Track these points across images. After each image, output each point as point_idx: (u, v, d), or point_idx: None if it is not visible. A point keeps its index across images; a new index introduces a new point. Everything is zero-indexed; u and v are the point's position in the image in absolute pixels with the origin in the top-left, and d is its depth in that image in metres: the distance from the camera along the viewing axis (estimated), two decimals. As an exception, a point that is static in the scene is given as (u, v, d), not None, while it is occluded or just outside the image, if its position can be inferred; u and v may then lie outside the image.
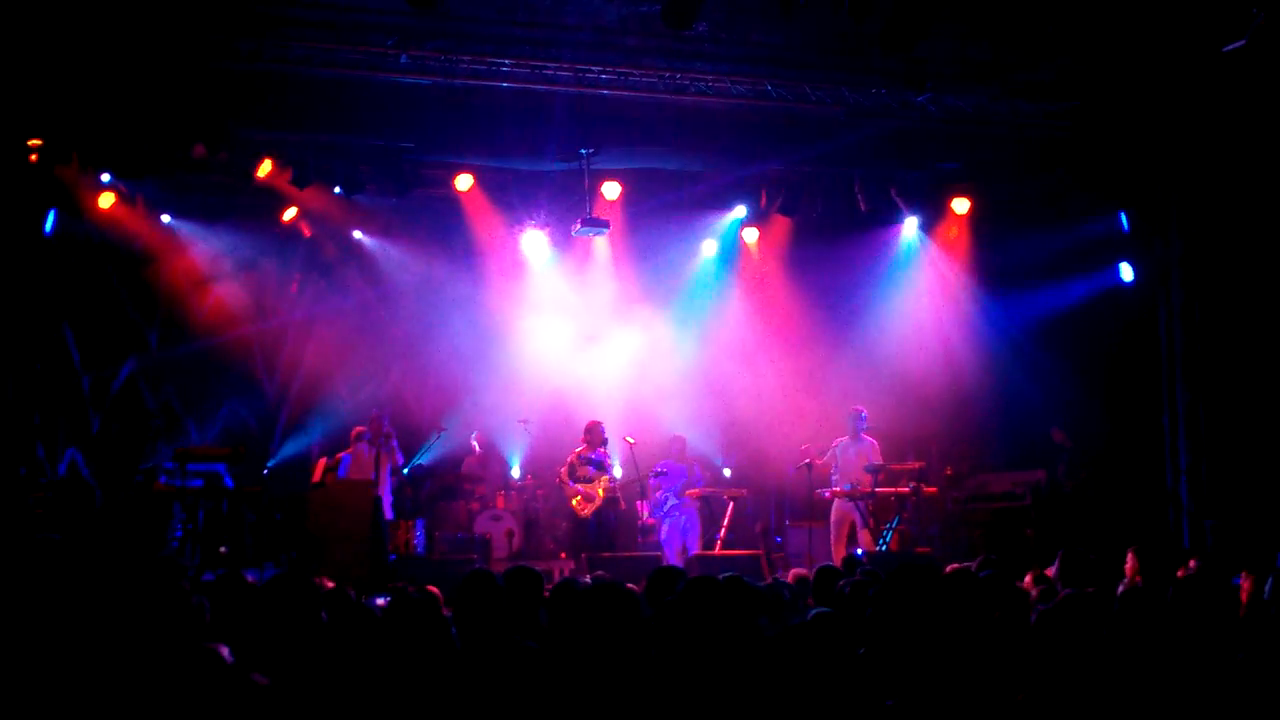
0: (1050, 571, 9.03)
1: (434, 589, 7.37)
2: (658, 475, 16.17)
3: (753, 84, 14.20)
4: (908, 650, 5.16)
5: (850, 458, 15.71)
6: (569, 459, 15.83)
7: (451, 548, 16.01)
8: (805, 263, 18.62)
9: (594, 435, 15.91)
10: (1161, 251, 16.02)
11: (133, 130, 14.20)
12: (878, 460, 15.62)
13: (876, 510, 15.50)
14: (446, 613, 6.41)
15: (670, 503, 16.12)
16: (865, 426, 15.86)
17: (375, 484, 14.93)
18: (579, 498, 15.60)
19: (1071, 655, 5.32)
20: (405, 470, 17.00)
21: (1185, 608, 6.62)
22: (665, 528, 16.17)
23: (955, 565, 9.75)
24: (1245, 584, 8.61)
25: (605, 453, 15.96)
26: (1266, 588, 8.29)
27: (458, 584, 6.04)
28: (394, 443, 16.00)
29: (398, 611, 5.22)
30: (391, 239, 18.09)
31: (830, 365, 18.16)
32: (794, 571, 9.94)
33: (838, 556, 14.43)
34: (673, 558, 15.66)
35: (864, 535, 15.24)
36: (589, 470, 15.70)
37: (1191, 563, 11.12)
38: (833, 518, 15.59)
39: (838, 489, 15.46)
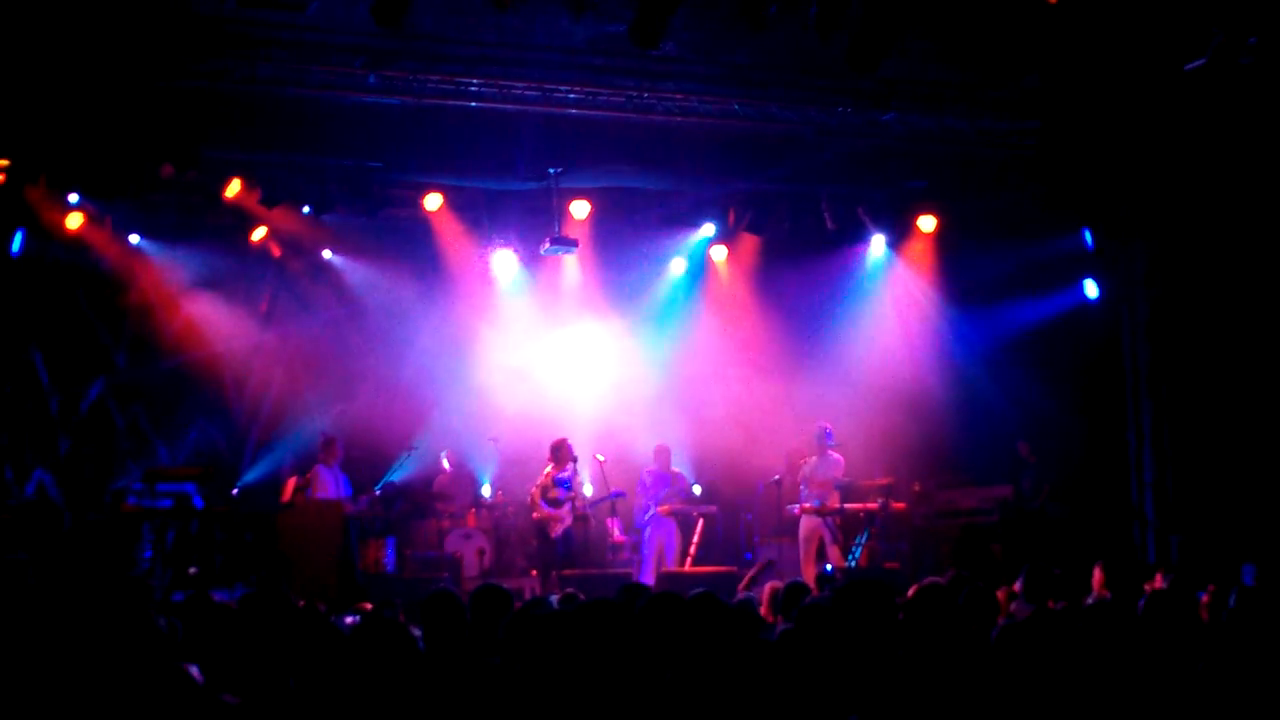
0: (1018, 587, 9.10)
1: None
2: (642, 483, 16.20)
3: (720, 103, 14.27)
4: (869, 667, 5.21)
5: (817, 474, 15.77)
6: (541, 480, 15.78)
7: (422, 566, 15.99)
8: (774, 281, 18.70)
9: (561, 453, 15.85)
10: (1125, 268, 16.20)
11: (101, 151, 14.13)
12: (842, 476, 15.70)
13: (845, 526, 15.57)
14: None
15: (651, 511, 16.16)
16: (831, 443, 15.92)
17: (344, 504, 14.95)
18: (547, 517, 15.57)
19: (1035, 670, 5.37)
20: (377, 489, 16.97)
21: (1152, 622, 6.69)
22: (647, 536, 16.18)
23: (930, 580, 9.83)
24: (1206, 598, 8.69)
25: (575, 470, 15.93)
26: (1231, 599, 8.39)
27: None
28: (343, 474, 15.96)
29: (367, 631, 5.24)
30: (361, 259, 18.08)
31: (799, 382, 18.21)
32: (770, 585, 9.97)
33: (807, 573, 14.49)
34: (649, 571, 15.68)
35: (833, 551, 15.29)
36: (559, 491, 15.67)
37: (1158, 577, 11.22)
38: (801, 534, 15.64)
39: (806, 504, 15.51)
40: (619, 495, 16.13)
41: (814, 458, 15.92)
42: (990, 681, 5.27)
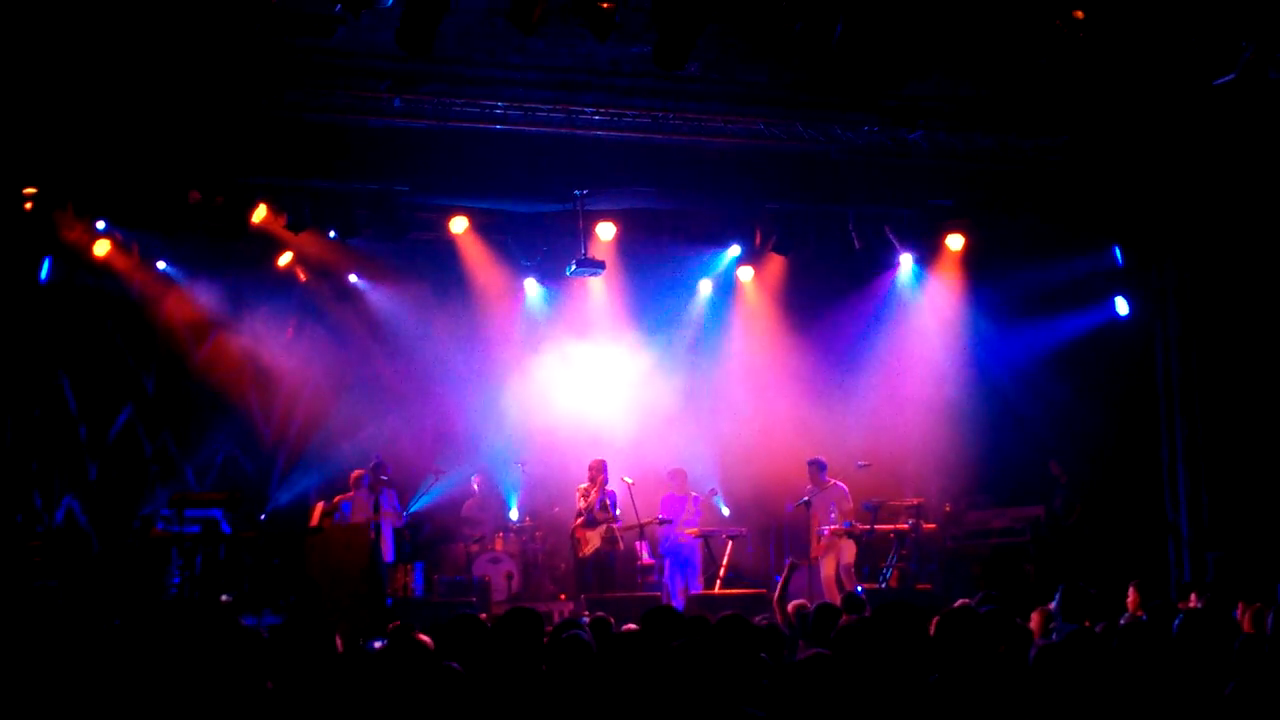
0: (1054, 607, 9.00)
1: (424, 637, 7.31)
2: (664, 518, 16.17)
3: (745, 123, 14.27)
4: (901, 689, 5.14)
5: (820, 507, 15.71)
6: (586, 503, 15.78)
7: (450, 590, 15.94)
8: (801, 301, 18.65)
9: (598, 474, 15.89)
10: (1156, 284, 16.09)
11: (128, 178, 14.21)
12: (848, 505, 15.64)
13: (874, 547, 15.52)
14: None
15: (670, 539, 16.11)
16: (825, 475, 15.89)
17: (373, 528, 14.92)
18: (578, 538, 15.56)
19: (1073, 691, 5.29)
20: (405, 515, 16.96)
21: (1188, 641, 6.60)
22: (668, 564, 16.14)
23: (962, 601, 9.75)
24: (1244, 617, 8.59)
25: (611, 491, 15.93)
26: (1269, 621, 8.27)
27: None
28: (392, 490, 16.05)
29: (393, 654, 5.20)
30: (387, 282, 18.09)
31: (827, 402, 18.14)
32: (794, 604, 9.90)
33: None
34: (675, 596, 15.62)
35: (847, 580, 15.20)
36: (601, 514, 15.70)
37: (1193, 596, 11.10)
38: (821, 574, 15.58)
39: (835, 527, 15.42)
40: (664, 521, 16.08)
41: (811, 487, 15.85)
42: (1029, 703, 5.19)
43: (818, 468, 15.93)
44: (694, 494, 16.69)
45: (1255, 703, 5.16)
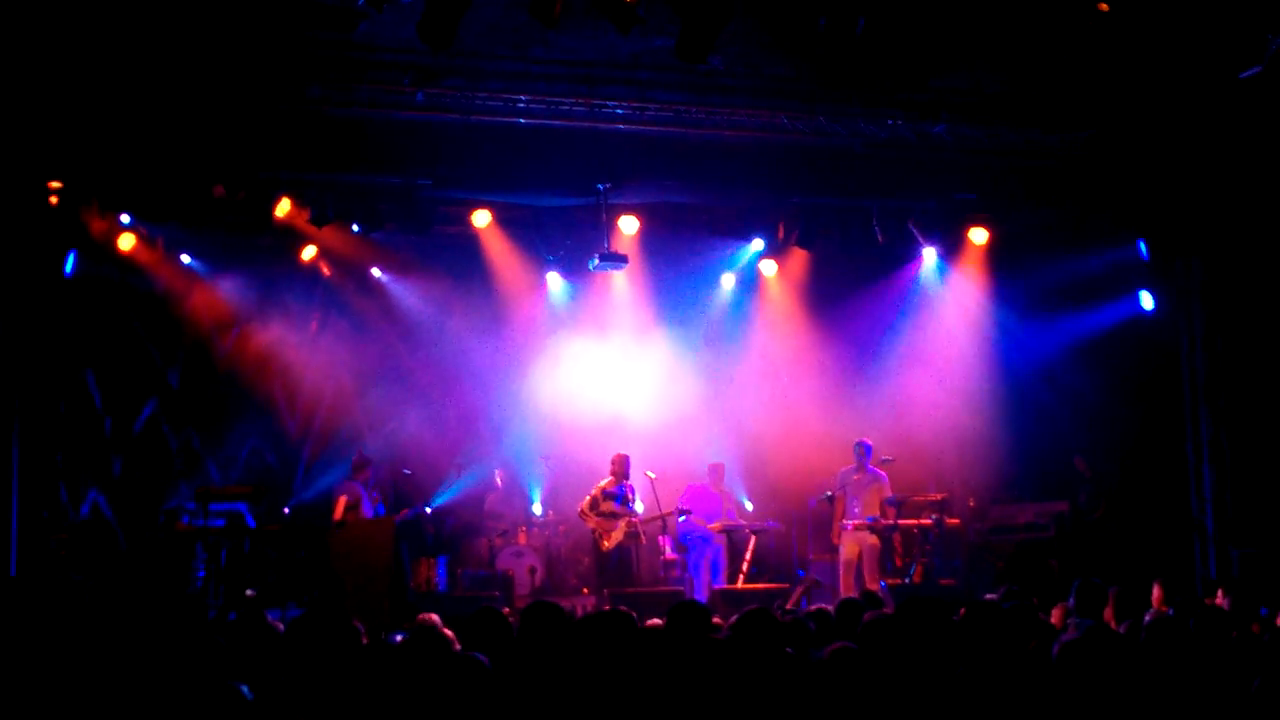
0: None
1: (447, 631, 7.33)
2: (691, 496, 16.15)
3: (768, 117, 14.21)
4: (925, 685, 5.12)
5: (850, 488, 15.64)
6: (592, 492, 15.78)
7: (473, 584, 15.98)
8: (824, 295, 18.62)
9: (620, 468, 15.87)
10: (1182, 279, 16.00)
11: (152, 172, 14.27)
12: (888, 493, 15.60)
13: (902, 542, 15.47)
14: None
15: (698, 532, 16.10)
16: (869, 459, 15.80)
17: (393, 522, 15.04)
18: (599, 530, 15.55)
19: (1095, 687, 5.27)
20: (429, 507, 17.01)
21: (1214, 637, 6.57)
22: (693, 557, 16.14)
23: (990, 596, 9.74)
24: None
25: (630, 486, 15.90)
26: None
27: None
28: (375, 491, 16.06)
29: (416, 646, 5.20)
30: (410, 276, 18.12)
31: (851, 396, 18.12)
32: (817, 607, 9.88)
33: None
34: (700, 590, 15.61)
35: (869, 574, 15.15)
36: (612, 505, 15.65)
37: (1219, 592, 11.05)
38: (841, 557, 15.52)
39: (859, 521, 15.39)
40: (683, 512, 16.06)
41: (852, 469, 15.78)
42: (1052, 699, 5.17)
43: (864, 450, 15.84)
44: (727, 489, 16.73)
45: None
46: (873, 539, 15.38)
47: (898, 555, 15.41)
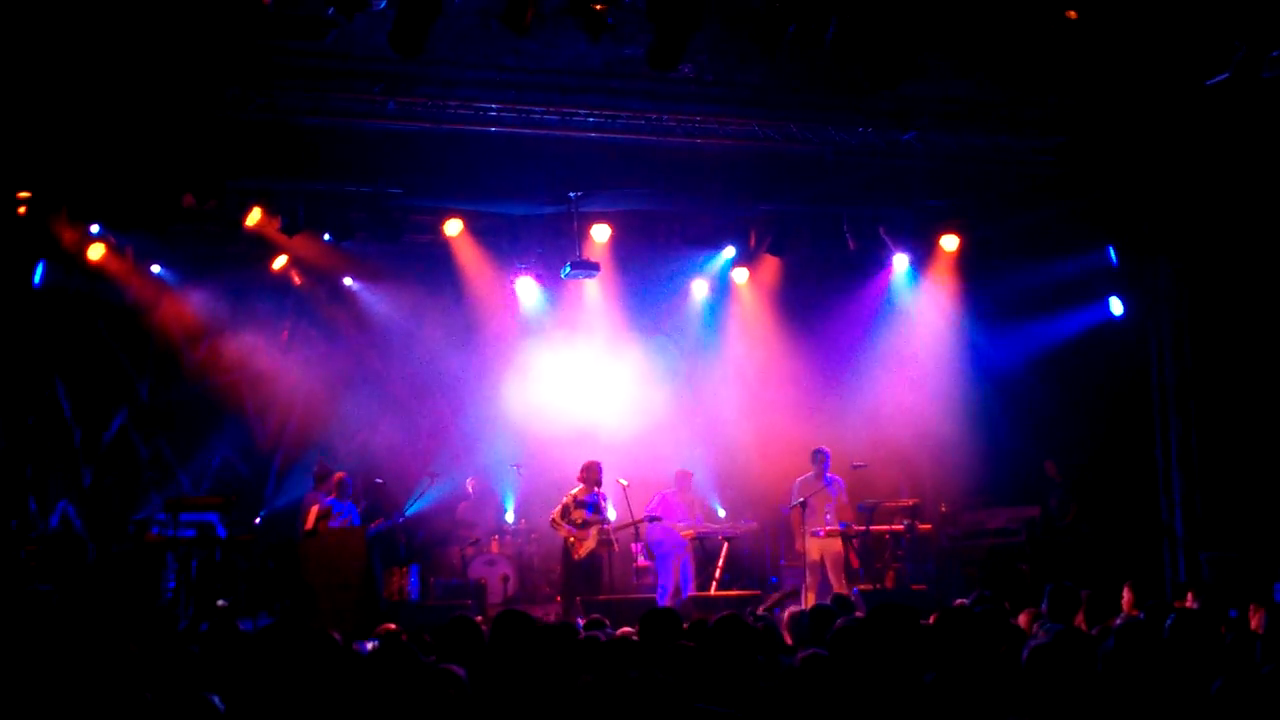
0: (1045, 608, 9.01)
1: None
2: (662, 504, 16.12)
3: (739, 125, 14.24)
4: (897, 689, 5.14)
5: (815, 507, 15.63)
6: (564, 500, 15.72)
7: (445, 593, 15.93)
8: (796, 302, 18.68)
9: (591, 475, 15.79)
10: (1150, 284, 16.09)
11: (122, 182, 14.19)
12: (844, 500, 15.62)
13: (869, 548, 15.49)
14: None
15: (669, 539, 16.08)
16: (829, 465, 15.80)
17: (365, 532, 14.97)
18: (572, 538, 15.49)
19: (1064, 691, 5.29)
20: (401, 517, 16.95)
21: (1182, 641, 6.60)
22: (662, 566, 16.12)
23: (962, 601, 9.77)
24: (1254, 618, 8.60)
25: (602, 494, 15.85)
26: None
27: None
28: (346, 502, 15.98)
29: (384, 655, 5.20)
30: (382, 285, 18.10)
31: (823, 403, 18.16)
32: (790, 610, 9.89)
33: (809, 603, 14.27)
34: (667, 599, 15.60)
35: (835, 578, 15.17)
36: (584, 513, 15.58)
37: (1189, 596, 11.11)
38: (807, 561, 15.53)
39: (831, 528, 15.39)
40: (653, 518, 16.03)
41: (810, 477, 15.79)
42: (1021, 703, 5.19)
43: (823, 458, 15.85)
44: (695, 498, 16.72)
45: (1241, 701, 5.15)
46: (836, 544, 15.38)
47: (854, 556, 15.38)
